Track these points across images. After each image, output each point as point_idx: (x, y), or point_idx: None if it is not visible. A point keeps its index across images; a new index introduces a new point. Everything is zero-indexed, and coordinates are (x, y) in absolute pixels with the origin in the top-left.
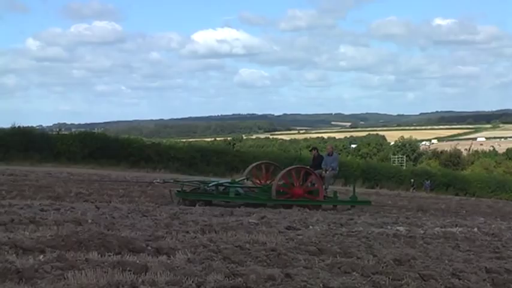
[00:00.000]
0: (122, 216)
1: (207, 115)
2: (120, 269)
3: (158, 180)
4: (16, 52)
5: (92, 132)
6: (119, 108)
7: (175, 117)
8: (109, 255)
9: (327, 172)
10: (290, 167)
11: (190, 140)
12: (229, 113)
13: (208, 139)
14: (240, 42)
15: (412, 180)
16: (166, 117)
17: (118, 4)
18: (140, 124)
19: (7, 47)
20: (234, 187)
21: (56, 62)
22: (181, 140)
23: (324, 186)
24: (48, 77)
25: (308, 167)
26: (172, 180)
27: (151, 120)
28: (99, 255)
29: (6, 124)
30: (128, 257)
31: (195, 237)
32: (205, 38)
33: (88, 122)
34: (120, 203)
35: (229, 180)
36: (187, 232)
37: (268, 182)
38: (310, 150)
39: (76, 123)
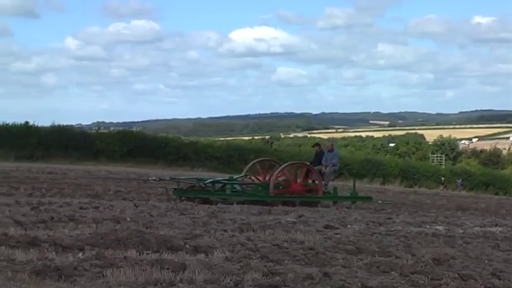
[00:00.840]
0: (160, 214)
1: (244, 114)
2: (159, 267)
3: (154, 178)
4: (55, 51)
5: (131, 130)
6: (157, 107)
7: (213, 116)
8: (147, 254)
9: (327, 168)
10: (287, 163)
11: (228, 138)
12: (267, 111)
13: (246, 138)
14: (278, 40)
15: (443, 178)
16: (204, 115)
17: (156, 3)
18: (178, 123)
19: (46, 46)
20: (231, 184)
21: (94, 61)
22: (219, 139)
23: (323, 182)
24: (87, 76)
25: (308, 163)
26: (168, 178)
27: (189, 118)
28: (138, 253)
29: (46, 123)
30: (166, 255)
31: (233, 235)
32: (243, 36)
33: (126, 120)
34: (158, 202)
35: (226, 177)
36: (225, 230)
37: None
38: (313, 146)
39: (115, 121)
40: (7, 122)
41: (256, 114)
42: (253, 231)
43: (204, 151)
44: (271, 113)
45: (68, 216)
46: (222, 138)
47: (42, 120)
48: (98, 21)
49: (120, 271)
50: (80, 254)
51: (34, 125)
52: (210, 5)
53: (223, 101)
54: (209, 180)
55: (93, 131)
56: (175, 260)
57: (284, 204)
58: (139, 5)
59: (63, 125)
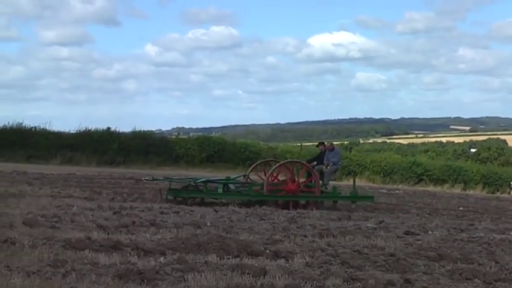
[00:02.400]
0: (240, 219)
1: (323, 119)
2: (239, 272)
3: (147, 178)
4: (136, 58)
5: (210, 136)
6: (236, 112)
7: (291, 121)
8: (228, 258)
9: (328, 167)
10: (282, 162)
11: (307, 144)
12: (346, 117)
13: None
14: (357, 45)
15: (511, 183)
16: (282, 121)
17: (235, 9)
18: (257, 128)
19: (127, 53)
20: (222, 184)
21: (174, 67)
22: (298, 144)
23: (323, 182)
24: (166, 81)
25: (304, 161)
26: (162, 178)
27: (268, 124)
28: (218, 258)
29: (127, 128)
30: (246, 260)
31: (313, 241)
32: (321, 42)
33: (205, 126)
34: (237, 207)
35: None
36: (305, 236)
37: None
38: (317, 146)
39: (194, 127)
40: (89, 128)
41: (334, 119)
42: (333, 236)
43: (283, 156)
44: (350, 118)
45: (149, 220)
46: (300, 144)
47: (123, 125)
48: (177, 28)
49: (201, 275)
50: (162, 258)
51: (115, 131)
52: (289, 10)
53: (302, 107)
54: (200, 180)
55: (172, 137)
56: (256, 265)
57: (277, 205)
58: (218, 11)
59: (143, 131)
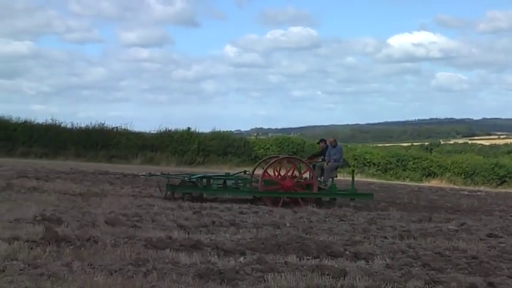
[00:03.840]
0: (319, 220)
1: (403, 120)
2: (319, 273)
3: (144, 174)
4: (215, 58)
5: (289, 136)
6: (315, 113)
7: (371, 122)
8: (307, 259)
9: (329, 164)
10: (279, 157)
11: (386, 145)
12: (426, 117)
13: (405, 144)
14: (437, 45)
15: None
16: (361, 121)
17: (313, 9)
18: (336, 129)
19: (206, 54)
20: (217, 179)
21: (252, 67)
22: (377, 145)
23: (323, 178)
24: (245, 82)
25: (298, 156)
26: (159, 174)
27: (347, 125)
28: (298, 259)
29: (206, 129)
30: (326, 261)
31: (393, 242)
32: (401, 42)
33: (284, 126)
34: (316, 208)
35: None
36: (385, 237)
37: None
38: (318, 143)
39: (273, 127)
40: (169, 128)
41: (415, 120)
42: (414, 238)
43: (362, 157)
44: (430, 119)
45: (229, 220)
46: (380, 145)
47: (203, 126)
48: (256, 29)
49: (281, 276)
50: (242, 258)
51: (195, 131)
52: (368, 10)
53: (381, 107)
54: (196, 176)
55: (251, 137)
56: (336, 266)
57: (275, 203)
58: (297, 11)
59: (222, 131)
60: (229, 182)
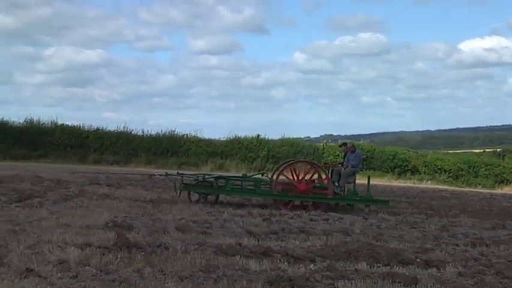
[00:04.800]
0: (389, 227)
1: (474, 126)
2: (390, 280)
3: (160, 174)
4: (284, 65)
5: (358, 143)
6: (384, 120)
7: (441, 128)
8: (378, 266)
9: (346, 169)
10: (293, 160)
11: (458, 151)
12: (498, 123)
13: (476, 150)
14: (509, 50)
15: None
16: (432, 128)
17: (382, 15)
18: (406, 135)
19: (275, 61)
20: (232, 181)
21: (321, 74)
22: (448, 151)
23: (339, 183)
24: (314, 89)
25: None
26: (176, 173)
27: (417, 131)
28: (368, 266)
29: (275, 136)
30: (397, 268)
31: (465, 250)
32: (472, 47)
33: (354, 133)
34: (387, 215)
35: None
36: (457, 245)
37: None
38: (340, 146)
39: (342, 134)
40: (239, 135)
41: (486, 126)
42: (486, 246)
43: (433, 164)
44: (503, 125)
45: (299, 227)
46: (451, 151)
47: (272, 133)
48: (325, 35)
49: (351, 283)
50: (312, 266)
51: (264, 138)
52: (438, 15)
53: (452, 113)
54: (211, 176)
55: (321, 144)
56: (407, 273)
57: (288, 206)
58: (366, 17)
59: (292, 138)
60: (244, 184)
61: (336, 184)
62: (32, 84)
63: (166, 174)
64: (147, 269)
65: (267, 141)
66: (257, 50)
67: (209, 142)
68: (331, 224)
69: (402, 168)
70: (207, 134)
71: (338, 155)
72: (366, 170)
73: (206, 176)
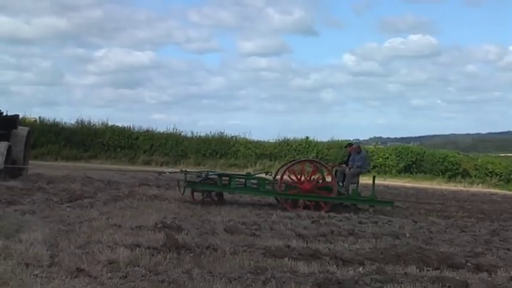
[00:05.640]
0: (439, 231)
1: None
2: (440, 284)
3: (169, 172)
4: (333, 67)
5: (408, 146)
6: (435, 122)
7: (492, 131)
8: (428, 270)
9: (351, 170)
10: (298, 160)
11: (509, 154)
12: None
13: None
14: None
15: None
16: (483, 131)
17: (433, 17)
18: (456, 138)
19: (324, 63)
20: (236, 179)
21: (371, 76)
22: (499, 155)
23: (344, 183)
24: (363, 91)
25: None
26: (180, 170)
27: (468, 134)
28: (418, 270)
29: (324, 138)
30: (447, 272)
31: None
32: None
33: (404, 136)
34: (437, 218)
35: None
36: (508, 249)
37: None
38: (345, 147)
39: (392, 137)
40: (288, 137)
41: None
42: None
43: (484, 167)
44: None
45: (348, 230)
46: (502, 154)
47: (321, 135)
48: (375, 37)
49: (400, 287)
50: (361, 269)
51: (313, 140)
52: (489, 17)
53: (504, 116)
54: (214, 173)
55: (370, 146)
56: (457, 278)
57: (291, 206)
58: (416, 19)
59: (341, 140)
60: (248, 182)
61: (341, 184)
62: (83, 86)
63: (170, 172)
64: (196, 270)
65: (316, 144)
66: (306, 52)
67: (258, 144)
68: (381, 227)
69: (452, 172)
70: (256, 136)
71: (387, 158)
72: (416, 173)
73: (209, 173)
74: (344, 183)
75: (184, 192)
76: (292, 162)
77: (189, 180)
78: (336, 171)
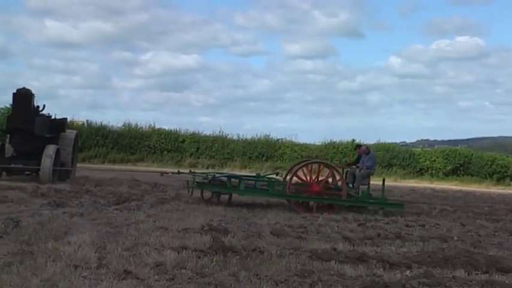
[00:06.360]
0: (488, 234)
1: None
2: None
3: (173, 172)
4: (379, 69)
5: (456, 148)
6: (483, 125)
7: None
8: (476, 274)
9: (361, 171)
10: (307, 161)
11: None
12: None
13: None
14: None
15: None
16: None
17: (480, 18)
18: (505, 140)
19: (371, 65)
20: (244, 180)
21: (417, 78)
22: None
23: (354, 185)
24: (410, 93)
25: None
26: (187, 172)
27: None
28: (466, 274)
29: (371, 140)
30: (496, 276)
31: None
32: None
33: (451, 138)
34: (485, 221)
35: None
36: None
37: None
38: (355, 149)
39: (439, 139)
40: (334, 140)
41: None
42: None
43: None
44: None
45: (395, 233)
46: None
47: (367, 137)
48: (421, 39)
49: None
50: (408, 272)
51: (359, 143)
52: None
53: None
54: (223, 175)
55: (417, 149)
56: (506, 282)
57: (300, 207)
58: (463, 20)
59: (387, 143)
60: (258, 184)
61: (350, 186)
62: (129, 89)
63: (179, 173)
64: (242, 273)
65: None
66: (352, 54)
67: (304, 146)
68: (428, 230)
69: (501, 175)
70: (302, 139)
71: (434, 161)
72: (463, 175)
73: (216, 175)
74: (354, 184)
75: (192, 193)
76: (301, 164)
77: (199, 181)
78: (346, 173)
